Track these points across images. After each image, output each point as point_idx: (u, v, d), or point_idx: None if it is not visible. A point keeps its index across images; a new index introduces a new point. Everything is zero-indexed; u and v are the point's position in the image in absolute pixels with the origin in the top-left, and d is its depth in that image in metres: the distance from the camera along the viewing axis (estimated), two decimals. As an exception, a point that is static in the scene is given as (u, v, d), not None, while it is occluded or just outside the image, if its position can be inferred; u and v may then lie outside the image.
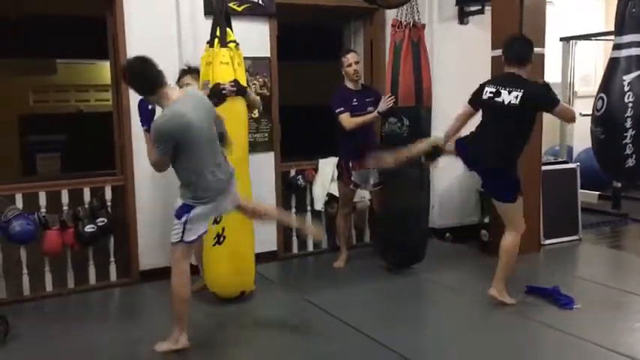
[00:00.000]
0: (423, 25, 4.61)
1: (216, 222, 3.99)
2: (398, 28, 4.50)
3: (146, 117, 3.37)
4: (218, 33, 4.07)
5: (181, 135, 3.13)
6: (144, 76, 3.16)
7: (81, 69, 9.33)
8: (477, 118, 4.05)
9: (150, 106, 3.41)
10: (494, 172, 3.96)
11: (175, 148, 3.17)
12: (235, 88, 4.00)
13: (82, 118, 9.19)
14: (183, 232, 3.27)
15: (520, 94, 3.75)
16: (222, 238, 4.07)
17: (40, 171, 8.76)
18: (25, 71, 8.68)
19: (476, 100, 4.00)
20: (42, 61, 8.72)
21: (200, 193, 3.27)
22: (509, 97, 3.78)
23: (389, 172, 4.54)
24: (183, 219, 3.27)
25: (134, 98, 4.53)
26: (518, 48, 3.91)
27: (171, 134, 3.11)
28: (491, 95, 3.86)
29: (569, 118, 3.96)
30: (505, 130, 3.86)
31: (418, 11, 4.56)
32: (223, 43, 4.05)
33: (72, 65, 9.20)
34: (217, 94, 3.94)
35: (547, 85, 3.92)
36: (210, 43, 4.10)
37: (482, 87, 3.96)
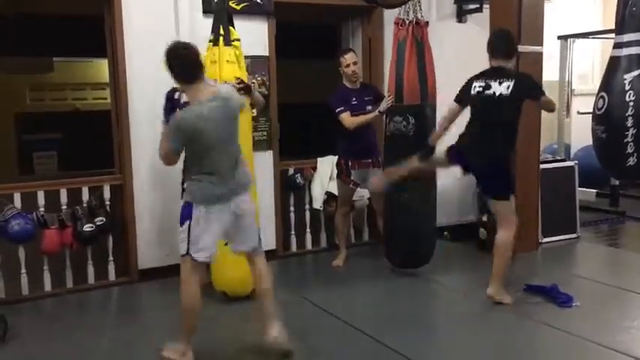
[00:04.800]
0: (426, 23, 4.59)
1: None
2: (401, 25, 4.50)
3: (170, 108, 3.40)
4: (222, 31, 4.06)
5: (192, 135, 3.03)
6: (184, 63, 3.07)
7: (78, 67, 9.30)
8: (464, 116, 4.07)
9: (176, 96, 3.43)
10: (493, 168, 3.97)
11: (187, 147, 3.10)
12: (242, 86, 3.91)
13: (79, 117, 9.16)
14: (188, 242, 3.12)
15: (511, 83, 3.83)
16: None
17: (37, 169, 8.74)
18: (23, 69, 8.65)
19: (463, 97, 4.04)
20: (39, 59, 8.68)
21: (205, 194, 3.14)
22: (500, 88, 3.85)
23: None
24: (186, 225, 3.13)
25: (133, 97, 4.59)
26: (505, 41, 3.99)
27: (183, 132, 3.04)
28: (480, 89, 3.91)
29: (551, 108, 4.09)
30: (497, 123, 3.90)
31: (421, 9, 4.55)
32: (227, 42, 4.05)
33: (69, 63, 9.18)
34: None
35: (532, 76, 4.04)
36: (214, 42, 4.08)
37: (469, 83, 4.00)
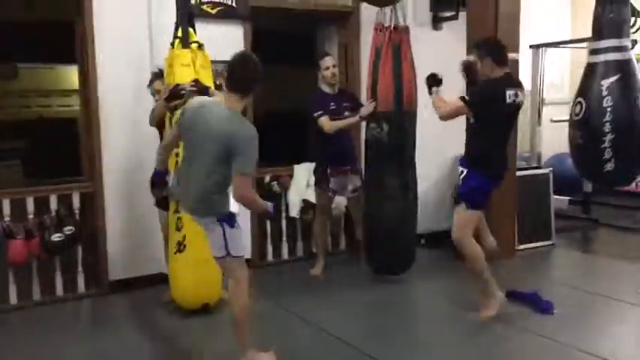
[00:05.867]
0: (406, 28, 4.55)
1: (177, 229, 3.92)
2: (380, 31, 4.46)
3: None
4: (180, 34, 3.99)
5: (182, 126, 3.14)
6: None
7: (43, 74, 9.05)
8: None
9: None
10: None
11: None
12: (195, 88, 3.77)
13: (44, 124, 8.89)
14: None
15: (523, 90, 3.75)
16: (182, 246, 3.92)
17: (1, 179, 8.44)
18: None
19: (489, 104, 3.68)
20: (3, 66, 8.42)
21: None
22: (521, 96, 3.72)
23: (375, 177, 4.52)
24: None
25: (102, 103, 4.45)
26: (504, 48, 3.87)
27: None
28: (514, 99, 3.66)
29: None
30: (511, 130, 3.86)
31: (404, 13, 4.53)
32: (185, 44, 3.97)
33: (34, 70, 8.92)
34: (176, 96, 3.78)
35: None
36: (172, 44, 4.02)
37: (500, 90, 3.63)
